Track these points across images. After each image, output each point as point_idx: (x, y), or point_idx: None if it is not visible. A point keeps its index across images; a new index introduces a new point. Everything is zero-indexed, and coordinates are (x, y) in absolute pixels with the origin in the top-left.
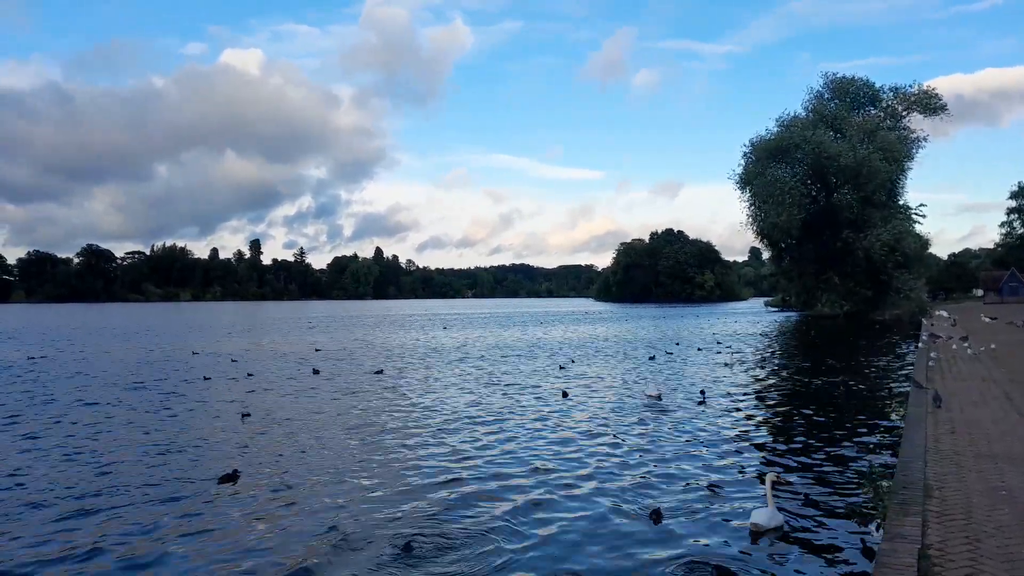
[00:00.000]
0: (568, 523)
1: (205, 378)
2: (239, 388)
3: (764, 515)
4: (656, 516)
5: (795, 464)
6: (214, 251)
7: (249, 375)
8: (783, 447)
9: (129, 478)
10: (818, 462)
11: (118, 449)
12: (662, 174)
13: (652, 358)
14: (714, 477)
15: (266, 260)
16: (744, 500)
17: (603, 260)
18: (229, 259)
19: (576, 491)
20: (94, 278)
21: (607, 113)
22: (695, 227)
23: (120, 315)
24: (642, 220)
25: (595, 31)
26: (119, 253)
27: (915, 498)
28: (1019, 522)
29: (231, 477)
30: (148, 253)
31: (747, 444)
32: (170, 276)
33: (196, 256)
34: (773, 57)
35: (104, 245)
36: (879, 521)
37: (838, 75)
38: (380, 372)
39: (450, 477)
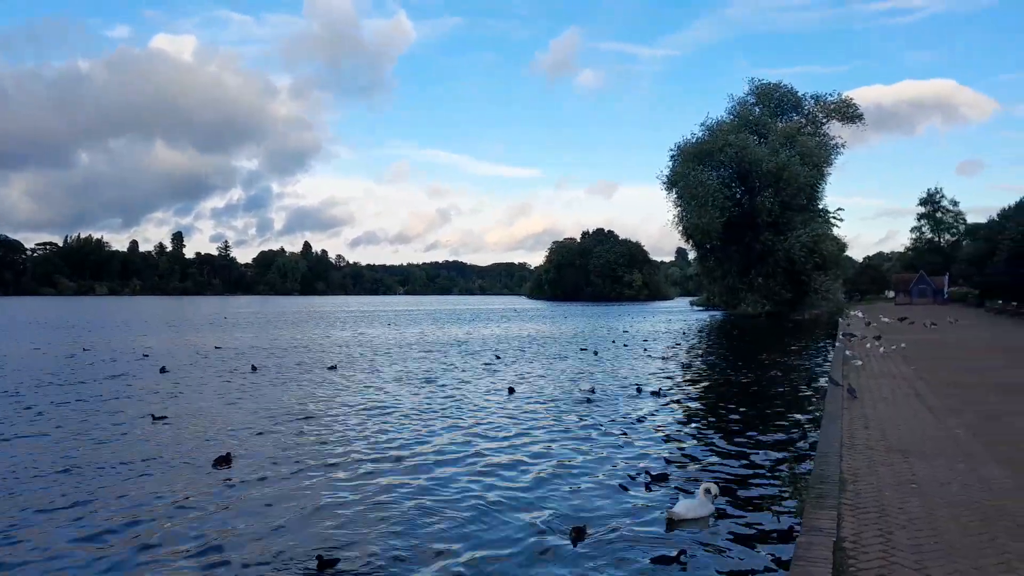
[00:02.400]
0: (499, 517)
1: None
2: (153, 385)
3: (684, 505)
4: (578, 534)
5: (721, 455)
6: (133, 243)
7: (163, 371)
8: (711, 439)
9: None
10: (742, 454)
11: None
12: (599, 174)
13: (596, 353)
14: (645, 467)
15: (191, 253)
16: (674, 490)
17: (538, 259)
18: (150, 252)
19: (507, 482)
20: (1, 270)
21: (548, 112)
22: (629, 226)
23: (21, 309)
24: (579, 219)
25: (537, 30)
26: (33, 244)
27: (831, 491)
28: (928, 514)
29: (225, 460)
30: (61, 244)
31: (676, 437)
32: (84, 269)
33: (114, 248)
34: (710, 61)
35: (21, 235)
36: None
37: (763, 81)
38: (334, 368)
39: (388, 473)
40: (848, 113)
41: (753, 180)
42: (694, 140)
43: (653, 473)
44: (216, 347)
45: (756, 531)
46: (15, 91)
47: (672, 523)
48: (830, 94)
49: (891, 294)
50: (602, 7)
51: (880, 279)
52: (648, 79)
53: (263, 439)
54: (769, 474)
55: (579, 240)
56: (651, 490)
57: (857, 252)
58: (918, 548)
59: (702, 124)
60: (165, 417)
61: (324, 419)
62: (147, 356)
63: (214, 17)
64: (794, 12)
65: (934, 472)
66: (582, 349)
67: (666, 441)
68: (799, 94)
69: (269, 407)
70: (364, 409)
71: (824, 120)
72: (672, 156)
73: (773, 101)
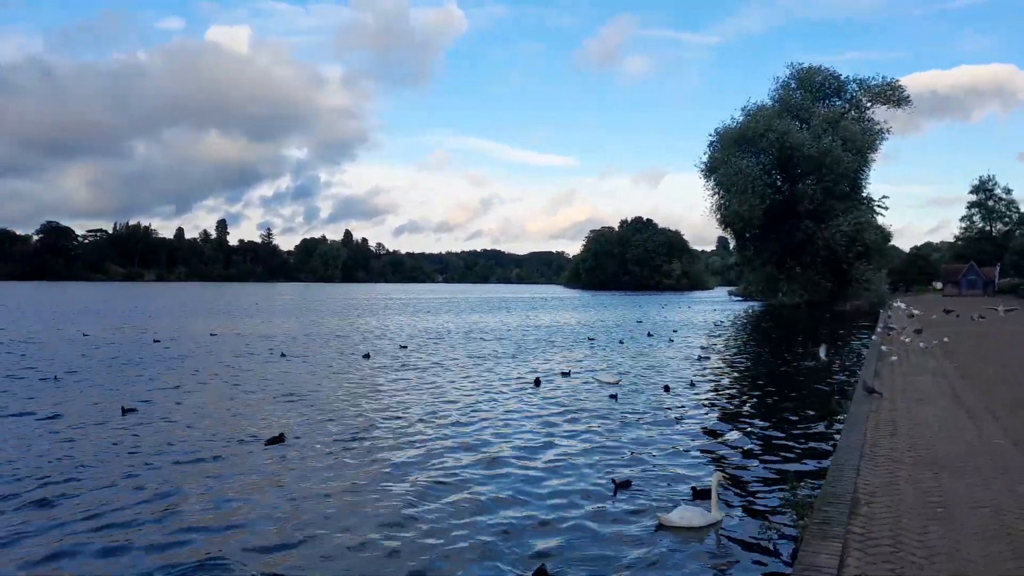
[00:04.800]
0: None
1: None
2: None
3: (677, 512)
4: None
5: (731, 460)
6: (180, 231)
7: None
8: (732, 440)
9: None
10: (755, 459)
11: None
12: (644, 163)
13: (621, 342)
14: (657, 467)
15: (237, 240)
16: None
17: (579, 248)
18: (195, 239)
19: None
20: (53, 256)
21: (594, 100)
22: (673, 215)
23: (60, 296)
24: (622, 208)
25: (584, 18)
26: (84, 231)
27: (839, 516)
28: (952, 549)
29: (278, 439)
30: (110, 232)
31: (697, 436)
32: (133, 255)
33: (161, 236)
34: (760, 48)
35: (75, 223)
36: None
37: (804, 65)
38: (367, 356)
39: (409, 463)
40: (893, 97)
41: (794, 167)
42: (734, 125)
43: (618, 480)
44: (212, 334)
45: (752, 557)
46: (74, 84)
47: (661, 528)
48: (873, 78)
49: (939, 285)
50: None
51: (928, 269)
52: (697, 66)
53: (305, 422)
54: (779, 488)
55: (617, 229)
56: (618, 497)
57: (906, 242)
58: None
59: (742, 109)
60: (135, 409)
61: (360, 407)
62: (158, 342)
63: (263, 7)
64: None
65: (966, 491)
66: (589, 339)
67: (688, 438)
68: (842, 78)
69: (310, 393)
70: (390, 400)
71: (868, 105)
72: (711, 142)
73: (815, 85)
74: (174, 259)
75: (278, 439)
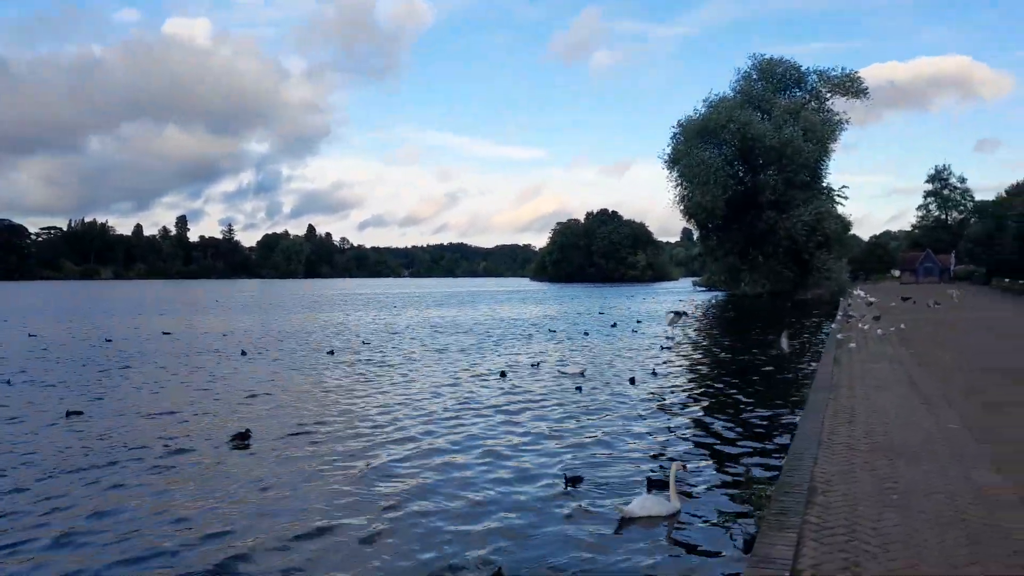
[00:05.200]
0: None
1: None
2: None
3: (637, 502)
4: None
5: (698, 449)
6: (138, 227)
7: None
8: (693, 429)
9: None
10: (721, 448)
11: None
12: (611, 155)
13: (586, 334)
14: (618, 458)
15: (198, 236)
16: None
17: (545, 240)
18: (154, 235)
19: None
20: (5, 254)
21: (561, 93)
22: (639, 207)
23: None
24: (589, 200)
25: (550, 10)
26: (37, 228)
27: (795, 506)
28: (907, 536)
29: (243, 436)
30: (65, 229)
31: (659, 425)
32: (89, 253)
33: (119, 232)
34: (725, 39)
35: (31, 220)
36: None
37: (765, 56)
38: (331, 352)
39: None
40: (852, 88)
41: (756, 157)
42: (697, 117)
43: (570, 475)
44: (164, 332)
45: (711, 539)
46: (30, 78)
47: (623, 521)
48: (833, 69)
49: (897, 273)
50: None
51: (887, 258)
52: (663, 58)
53: (270, 419)
54: (738, 477)
55: (583, 221)
56: (576, 489)
57: (866, 231)
58: None
59: (704, 100)
60: (80, 412)
61: (325, 403)
62: (110, 341)
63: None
64: None
65: (922, 478)
66: (551, 331)
67: (650, 427)
68: (802, 69)
69: (273, 390)
70: (356, 395)
71: (828, 96)
72: (674, 134)
73: (776, 77)
74: (132, 256)
75: (243, 436)
